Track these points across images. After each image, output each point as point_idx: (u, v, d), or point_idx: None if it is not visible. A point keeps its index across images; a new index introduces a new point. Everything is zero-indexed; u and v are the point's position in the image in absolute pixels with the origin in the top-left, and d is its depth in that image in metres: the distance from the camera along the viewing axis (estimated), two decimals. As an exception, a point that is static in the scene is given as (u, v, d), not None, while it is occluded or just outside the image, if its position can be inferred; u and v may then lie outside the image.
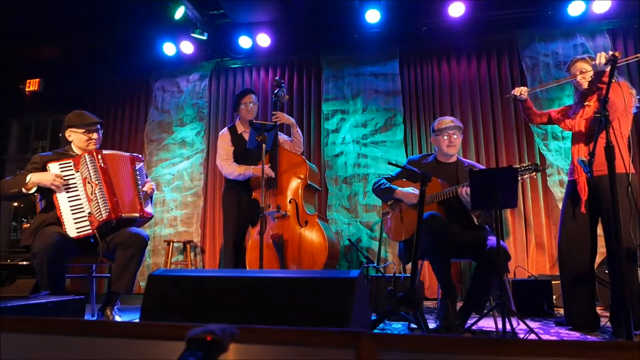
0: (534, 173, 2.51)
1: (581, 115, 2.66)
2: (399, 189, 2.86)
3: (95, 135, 2.90)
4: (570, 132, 2.76)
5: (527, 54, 4.72)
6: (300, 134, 3.59)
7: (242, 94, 3.54)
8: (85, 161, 2.79)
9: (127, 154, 3.01)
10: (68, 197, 2.72)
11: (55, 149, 3.09)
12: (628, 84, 2.56)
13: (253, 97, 3.54)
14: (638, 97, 2.58)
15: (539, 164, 2.57)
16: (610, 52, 2.23)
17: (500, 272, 2.42)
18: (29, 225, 2.80)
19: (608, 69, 2.25)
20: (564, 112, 2.84)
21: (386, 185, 2.94)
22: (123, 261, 2.71)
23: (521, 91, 2.75)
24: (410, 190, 2.80)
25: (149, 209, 2.95)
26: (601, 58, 2.34)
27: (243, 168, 3.32)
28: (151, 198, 3.05)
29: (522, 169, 2.49)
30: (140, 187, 2.92)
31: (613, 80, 2.27)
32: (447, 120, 2.94)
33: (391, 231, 2.96)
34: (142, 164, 3.05)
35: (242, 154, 3.41)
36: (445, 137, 2.88)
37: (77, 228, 2.67)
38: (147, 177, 3.08)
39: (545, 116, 2.88)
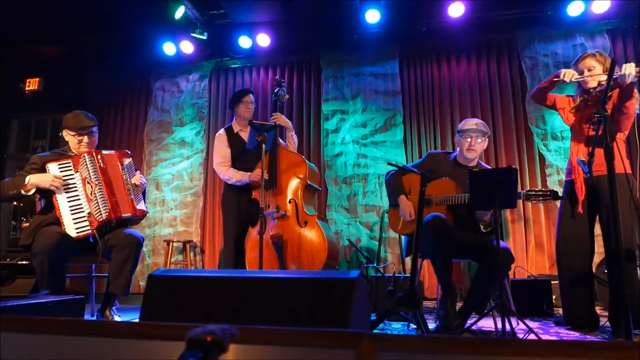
0: (550, 200, 2.48)
1: (583, 114, 2.64)
2: (404, 195, 2.89)
3: (86, 139, 2.85)
4: (569, 127, 2.74)
5: (527, 54, 4.72)
6: (295, 139, 3.57)
7: (242, 93, 3.53)
8: (85, 161, 2.78)
9: (114, 151, 2.95)
10: (67, 198, 2.72)
11: (55, 148, 3.08)
12: (635, 89, 2.52)
13: (252, 96, 3.54)
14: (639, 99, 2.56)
15: (557, 192, 2.52)
16: None
17: (502, 272, 2.42)
18: (28, 224, 2.79)
19: (636, 79, 2.22)
20: (566, 102, 2.76)
21: (395, 189, 2.95)
22: (118, 263, 2.71)
23: (572, 76, 2.53)
24: (410, 205, 2.83)
25: (141, 205, 2.88)
26: (630, 69, 2.25)
27: (240, 175, 3.33)
28: (144, 194, 2.99)
29: (539, 193, 2.46)
30: (129, 184, 2.86)
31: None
32: (472, 122, 2.87)
33: (394, 223, 2.97)
34: (129, 159, 2.97)
35: (241, 154, 3.41)
36: (468, 140, 2.81)
37: (76, 228, 2.67)
38: (135, 171, 2.99)
39: (550, 100, 2.79)
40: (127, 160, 2.94)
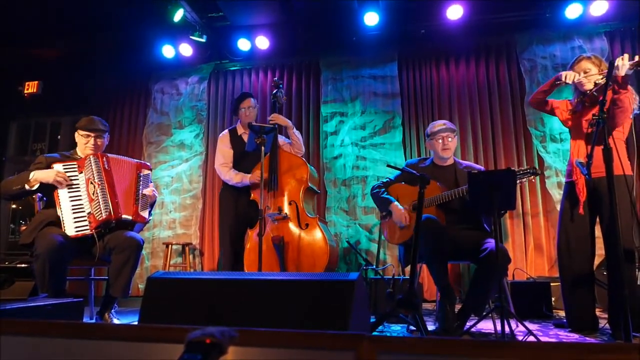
0: (532, 177, 2.52)
1: (582, 115, 2.65)
2: (395, 202, 2.89)
3: (92, 141, 2.93)
4: (568, 129, 2.75)
5: (526, 56, 4.73)
6: (299, 135, 3.57)
7: (240, 99, 3.55)
8: (90, 162, 2.83)
9: (135, 160, 3.06)
10: (70, 197, 2.76)
11: (54, 151, 3.11)
12: (631, 88, 2.53)
13: (252, 100, 3.55)
14: (637, 100, 2.57)
15: (537, 167, 2.56)
16: (637, 57, 2.19)
17: (500, 274, 2.42)
18: (28, 224, 2.81)
19: (631, 72, 2.23)
20: (564, 104, 2.77)
21: (384, 195, 2.95)
22: (118, 265, 2.72)
23: (573, 77, 2.54)
24: (403, 209, 2.82)
25: (144, 213, 2.94)
26: (625, 59, 2.28)
27: (240, 176, 3.34)
28: (152, 205, 3.05)
29: (521, 172, 2.50)
30: (140, 192, 2.93)
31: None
32: (440, 124, 2.96)
33: (389, 234, 2.97)
34: (149, 172, 3.08)
35: (242, 156, 3.42)
36: (440, 141, 2.90)
37: (75, 227, 2.70)
38: (150, 183, 3.09)
39: (549, 105, 2.80)
40: (145, 172, 3.04)
